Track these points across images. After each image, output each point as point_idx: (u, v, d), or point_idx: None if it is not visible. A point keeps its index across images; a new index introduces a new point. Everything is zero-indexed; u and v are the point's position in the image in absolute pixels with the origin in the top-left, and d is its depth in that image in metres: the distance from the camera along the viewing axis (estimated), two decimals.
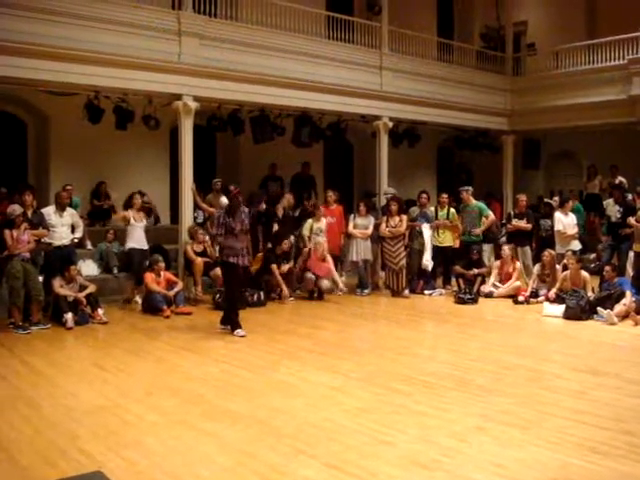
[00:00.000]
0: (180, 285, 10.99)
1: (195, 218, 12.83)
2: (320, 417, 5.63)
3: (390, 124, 15.85)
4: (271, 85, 13.35)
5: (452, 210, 13.12)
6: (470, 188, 13.44)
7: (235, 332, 8.89)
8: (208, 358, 7.82)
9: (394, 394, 6.31)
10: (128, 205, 11.45)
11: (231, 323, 9.01)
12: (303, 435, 5.21)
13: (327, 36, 14.82)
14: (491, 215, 13.17)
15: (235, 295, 9.32)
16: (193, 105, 12.24)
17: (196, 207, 12.63)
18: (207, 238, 11.88)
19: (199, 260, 11.54)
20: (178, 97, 12.18)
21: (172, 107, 12.29)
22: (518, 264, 12.36)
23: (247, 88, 12.99)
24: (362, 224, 12.69)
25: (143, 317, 10.41)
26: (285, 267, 11.93)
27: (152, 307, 10.53)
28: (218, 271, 10.73)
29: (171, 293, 10.69)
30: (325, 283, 12.01)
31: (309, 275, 11.98)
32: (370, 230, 12.62)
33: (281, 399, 6.16)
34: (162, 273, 10.86)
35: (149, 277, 10.72)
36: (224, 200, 11.28)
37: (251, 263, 10.42)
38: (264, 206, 12.63)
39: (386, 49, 15.83)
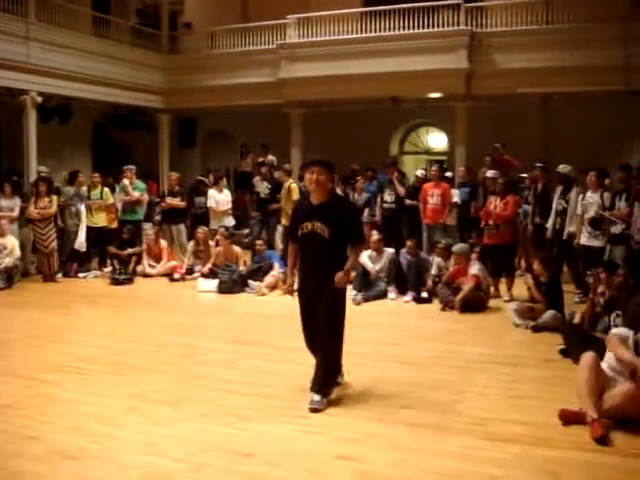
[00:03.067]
0: None
1: None
2: None
3: (39, 99, 14.99)
4: None
5: (106, 189, 12.78)
6: (133, 167, 13.26)
7: None
8: None
9: (42, 384, 5.95)
10: None
11: None
12: None
13: None
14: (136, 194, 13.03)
15: None
16: None
17: None
18: None
19: None
20: None
21: None
22: (164, 243, 12.42)
23: None
24: (7, 206, 11.80)
25: None
26: None
27: None
28: None
29: None
30: None
31: None
32: (16, 213, 11.79)
33: None
34: None
35: None
36: None
37: None
38: None
39: (33, 18, 14.89)
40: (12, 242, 11.30)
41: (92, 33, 16.92)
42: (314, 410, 5.14)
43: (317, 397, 5.22)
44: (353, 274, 9.32)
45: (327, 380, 5.35)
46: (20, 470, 4.23)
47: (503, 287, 10.11)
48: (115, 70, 17.00)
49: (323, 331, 5.30)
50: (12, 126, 16.70)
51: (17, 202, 11.86)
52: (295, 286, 5.60)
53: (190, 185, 14.34)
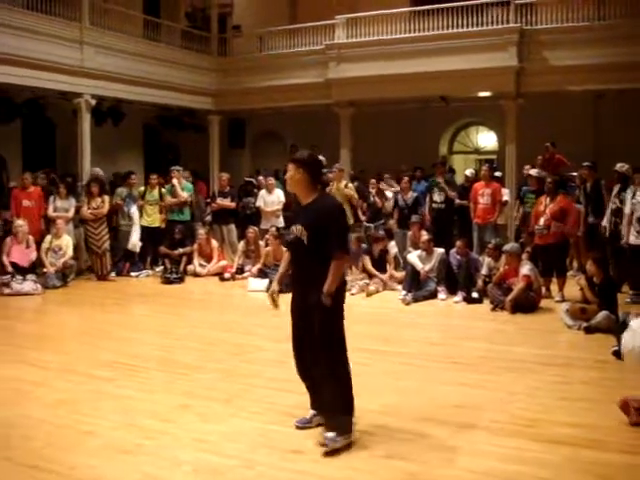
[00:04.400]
0: None
1: None
2: (14, 414, 5.23)
3: (93, 102, 15.24)
4: None
5: (163, 190, 12.99)
6: (181, 169, 13.42)
7: None
8: None
9: (96, 381, 6.09)
10: None
11: None
12: None
13: (23, 5, 13.80)
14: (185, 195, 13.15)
15: None
16: None
17: None
18: None
19: None
20: None
21: None
22: (215, 243, 12.55)
23: None
24: (62, 207, 12.09)
25: None
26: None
27: None
28: None
29: None
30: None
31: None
32: (71, 213, 12.06)
33: None
34: None
35: None
36: None
37: None
38: None
39: (87, 23, 15.13)
40: (67, 242, 11.57)
41: (143, 36, 17.15)
42: (330, 453, 4.42)
43: (331, 434, 4.48)
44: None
45: (335, 412, 4.57)
46: (76, 464, 4.33)
47: (555, 288, 9.99)
48: (166, 72, 17.21)
49: (315, 356, 4.61)
50: (66, 128, 17.04)
51: (72, 203, 12.15)
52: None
53: (239, 186, 14.46)
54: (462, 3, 15.71)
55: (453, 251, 10.55)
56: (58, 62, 14.23)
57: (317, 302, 4.46)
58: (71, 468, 4.26)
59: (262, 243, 11.99)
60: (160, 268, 12.42)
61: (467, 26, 15.63)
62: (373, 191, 12.41)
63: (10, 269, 10.88)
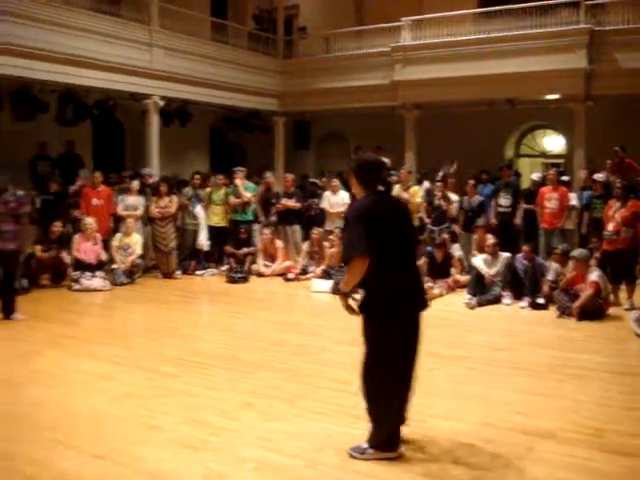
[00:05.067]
0: None
1: None
2: (83, 406, 5.39)
3: (161, 103, 15.54)
4: (32, 58, 12.51)
5: (227, 190, 13.13)
6: (243, 169, 13.55)
7: None
8: None
9: (162, 377, 6.20)
10: None
11: None
12: (64, 426, 4.95)
13: (95, 9, 14.16)
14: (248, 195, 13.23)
15: None
16: None
17: None
18: None
19: None
20: None
21: None
22: (279, 243, 12.61)
23: (5, 60, 12.10)
24: (133, 204, 12.35)
25: None
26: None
27: None
28: None
29: None
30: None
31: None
32: (140, 211, 12.31)
33: (41, 390, 5.82)
34: None
35: None
36: None
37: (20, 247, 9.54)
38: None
39: (156, 25, 15.44)
40: (136, 240, 11.81)
41: (211, 39, 17.41)
42: (351, 456, 4.43)
43: (364, 444, 4.46)
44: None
45: (373, 427, 4.47)
46: (143, 457, 4.42)
47: (623, 295, 9.75)
48: (232, 74, 17.43)
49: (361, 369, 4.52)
50: (135, 129, 17.39)
51: (141, 201, 12.39)
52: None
53: (304, 187, 14.52)
54: (530, 4, 15.48)
55: (519, 256, 10.40)
56: (128, 64, 14.56)
57: (359, 306, 4.45)
58: (138, 460, 4.36)
59: (326, 244, 12.01)
60: (225, 267, 12.56)
61: (535, 27, 15.40)
62: (438, 194, 12.31)
63: (83, 263, 11.15)
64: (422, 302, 4.56)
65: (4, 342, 7.62)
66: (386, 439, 4.43)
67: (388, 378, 4.41)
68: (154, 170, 14.50)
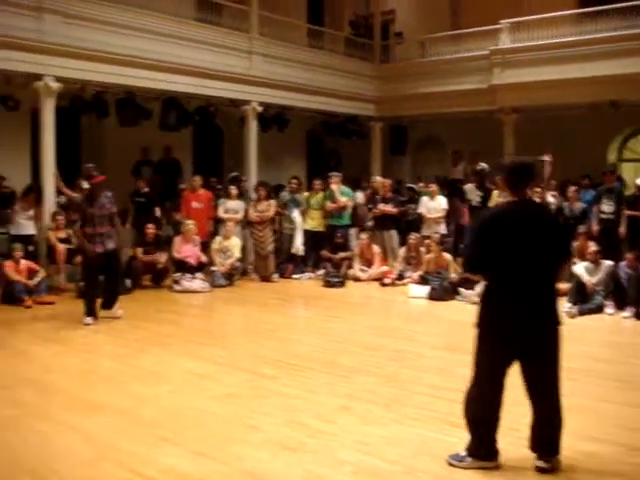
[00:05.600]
0: (42, 273, 10.53)
1: (58, 203, 12.35)
2: (185, 404, 5.56)
3: (259, 109, 15.80)
4: (137, 67, 12.97)
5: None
6: (339, 174, 13.62)
7: (84, 319, 8.67)
8: (70, 348, 7.54)
9: (261, 378, 6.32)
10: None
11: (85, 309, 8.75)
12: (167, 423, 5.12)
13: (196, 19, 14.59)
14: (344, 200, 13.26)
15: (87, 283, 9.00)
16: (55, 86, 11.73)
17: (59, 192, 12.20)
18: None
19: (61, 247, 11.12)
20: (39, 77, 11.65)
21: (32, 87, 11.77)
22: (376, 248, 12.60)
23: (112, 69, 12.57)
24: (232, 209, 12.62)
25: (2, 308, 9.87)
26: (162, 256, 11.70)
27: (12, 297, 10.02)
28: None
29: (32, 282, 10.24)
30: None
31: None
32: (240, 215, 12.56)
33: (145, 387, 6.04)
34: (22, 261, 10.38)
35: (9, 266, 10.22)
36: (85, 184, 10.93)
37: (120, 248, 9.92)
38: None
39: (255, 33, 15.73)
40: (236, 243, 12.06)
41: (308, 45, 17.59)
42: (449, 463, 4.40)
43: (462, 452, 4.42)
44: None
45: (470, 435, 4.43)
46: (242, 455, 4.52)
47: None
48: (329, 80, 17.56)
49: None
50: (234, 134, 17.74)
51: (241, 205, 12.63)
52: None
53: (400, 192, 14.49)
54: (633, 2, 14.97)
55: (622, 264, 10.08)
56: (228, 71, 14.87)
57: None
58: (238, 459, 4.46)
59: (423, 250, 11.95)
60: (322, 271, 12.66)
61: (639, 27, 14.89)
62: (538, 200, 12.03)
63: (184, 265, 11.46)
64: (527, 328, 4.26)
65: (109, 340, 7.94)
66: (484, 448, 4.37)
67: (481, 389, 4.38)
68: (252, 175, 14.74)
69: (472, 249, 4.38)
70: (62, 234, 11.32)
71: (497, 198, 11.67)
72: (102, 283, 8.93)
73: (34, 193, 11.51)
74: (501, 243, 4.23)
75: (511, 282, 4.24)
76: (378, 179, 14.28)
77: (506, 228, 4.26)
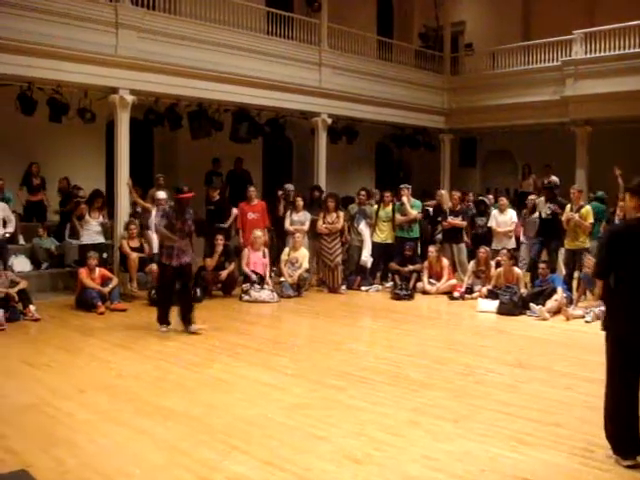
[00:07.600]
0: (115, 281, 10.82)
1: (132, 213, 12.65)
2: (254, 413, 5.63)
3: (329, 121, 15.92)
4: (209, 80, 13.28)
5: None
6: (409, 186, 13.57)
7: (159, 327, 8.90)
8: (142, 355, 7.72)
9: (329, 389, 6.35)
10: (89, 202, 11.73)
11: (158, 318, 8.96)
12: (237, 431, 5.20)
13: (267, 32, 14.82)
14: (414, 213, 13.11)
15: (160, 293, 9.23)
16: (130, 99, 12.10)
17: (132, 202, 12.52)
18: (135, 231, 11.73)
19: (134, 255, 11.38)
20: (114, 90, 12.02)
21: (108, 100, 12.14)
22: (445, 262, 12.50)
23: (185, 82, 12.90)
24: (298, 220, 12.73)
25: (77, 314, 10.16)
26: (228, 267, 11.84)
27: (86, 303, 10.32)
28: (154, 267, 10.63)
29: (106, 289, 10.52)
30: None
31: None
32: (307, 226, 12.66)
33: (215, 395, 6.14)
34: (97, 269, 10.67)
35: (83, 273, 10.53)
36: (160, 194, 11.18)
37: (192, 260, 10.05)
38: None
39: (325, 46, 15.89)
40: (304, 255, 12.14)
41: (377, 57, 17.65)
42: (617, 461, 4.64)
43: (609, 451, 4.71)
44: None
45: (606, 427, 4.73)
46: (309, 466, 4.55)
47: None
48: (399, 92, 17.59)
49: None
50: (303, 145, 17.91)
51: (307, 216, 12.71)
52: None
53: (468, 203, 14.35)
54: None
55: None
56: (298, 83, 15.07)
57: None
58: (305, 469, 4.49)
59: (493, 263, 11.81)
60: (390, 284, 12.61)
61: None
62: (620, 214, 11.69)
63: (254, 277, 11.59)
64: None
65: (180, 348, 8.07)
66: (622, 446, 4.61)
67: (613, 390, 4.68)
68: (322, 186, 14.81)
69: (601, 258, 4.77)
70: (135, 243, 11.59)
71: (569, 212, 11.47)
72: (176, 292, 9.07)
73: (99, 198, 11.73)
74: (629, 256, 4.54)
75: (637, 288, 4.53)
76: (443, 193, 14.17)
77: (632, 242, 4.57)
